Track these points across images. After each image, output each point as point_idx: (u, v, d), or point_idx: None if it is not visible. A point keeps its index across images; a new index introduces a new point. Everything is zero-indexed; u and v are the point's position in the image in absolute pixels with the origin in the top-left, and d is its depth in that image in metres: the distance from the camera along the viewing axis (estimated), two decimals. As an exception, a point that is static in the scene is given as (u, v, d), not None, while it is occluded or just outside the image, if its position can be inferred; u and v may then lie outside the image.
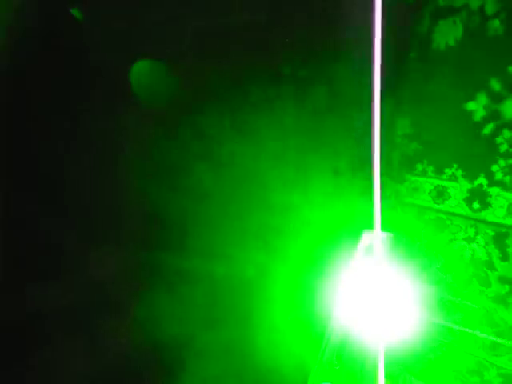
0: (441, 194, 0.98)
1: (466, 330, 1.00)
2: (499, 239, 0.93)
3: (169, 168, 1.23)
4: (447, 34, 0.91)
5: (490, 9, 0.86)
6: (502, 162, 0.89)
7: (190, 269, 1.16)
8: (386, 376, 1.03)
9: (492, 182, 0.91)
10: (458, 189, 0.96)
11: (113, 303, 1.28)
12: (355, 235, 0.80)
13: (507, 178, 0.90)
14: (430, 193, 1.00)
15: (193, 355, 1.10)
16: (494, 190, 0.91)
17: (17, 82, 1.00)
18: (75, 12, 0.97)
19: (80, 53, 1.07)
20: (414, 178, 1.01)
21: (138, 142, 1.26)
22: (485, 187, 0.92)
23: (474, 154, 0.92)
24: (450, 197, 0.97)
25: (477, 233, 0.95)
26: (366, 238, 0.76)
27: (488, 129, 0.89)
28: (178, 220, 1.21)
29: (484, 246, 0.95)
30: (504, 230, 0.92)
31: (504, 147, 0.88)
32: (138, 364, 1.11)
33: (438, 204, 0.99)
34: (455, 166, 0.95)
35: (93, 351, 1.13)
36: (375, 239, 0.64)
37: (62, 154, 1.14)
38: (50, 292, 1.31)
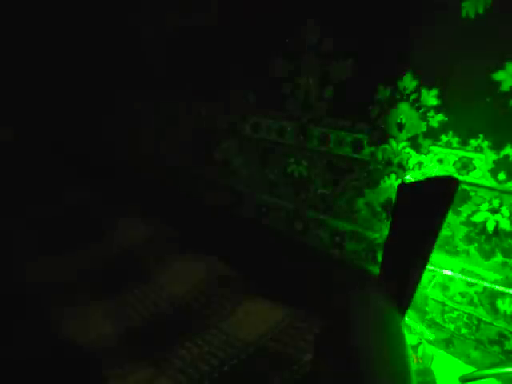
0: (465, 165, 0.98)
1: (488, 300, 1.01)
2: (524, 210, 0.93)
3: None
4: (477, 2, 0.89)
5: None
6: (529, 132, 0.89)
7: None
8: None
9: (519, 153, 0.91)
10: (484, 160, 0.95)
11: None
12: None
13: (535, 149, 0.89)
14: (454, 164, 1.00)
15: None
16: (520, 161, 0.91)
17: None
18: None
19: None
20: (438, 150, 1.02)
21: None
22: (511, 158, 0.92)
23: (501, 124, 0.91)
24: (474, 168, 0.97)
25: (501, 204, 0.95)
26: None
27: (516, 99, 0.88)
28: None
29: (509, 218, 0.95)
30: (530, 201, 0.92)
31: (533, 117, 0.87)
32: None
33: (463, 175, 0.99)
34: (481, 136, 0.95)
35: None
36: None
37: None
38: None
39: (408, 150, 1.07)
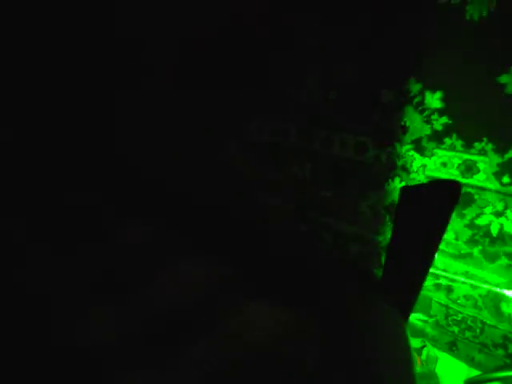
0: (469, 168, 0.98)
1: (492, 303, 1.01)
2: (529, 213, 0.93)
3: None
4: (481, 5, 0.89)
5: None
6: (534, 135, 0.89)
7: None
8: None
9: (523, 156, 0.91)
10: (488, 163, 0.95)
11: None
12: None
13: (539, 152, 0.89)
14: (458, 167, 1.00)
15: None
16: (525, 164, 0.91)
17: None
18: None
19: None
20: (442, 153, 1.02)
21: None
22: (516, 161, 0.91)
23: (506, 127, 0.91)
24: (478, 171, 0.97)
25: (506, 207, 0.95)
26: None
27: (521, 102, 0.88)
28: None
29: (513, 221, 0.95)
30: (534, 204, 0.92)
31: (537, 120, 0.87)
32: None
33: (467, 178, 0.99)
34: (485, 139, 0.95)
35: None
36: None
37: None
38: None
39: (412, 152, 1.07)
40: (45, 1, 2.19)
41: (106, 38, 2.13)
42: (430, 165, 1.04)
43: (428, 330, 1.12)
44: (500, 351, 1.02)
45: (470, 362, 1.08)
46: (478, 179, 0.97)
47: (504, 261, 0.97)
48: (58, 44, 2.34)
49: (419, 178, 1.07)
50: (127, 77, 2.08)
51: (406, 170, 1.09)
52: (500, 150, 0.93)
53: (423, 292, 1.11)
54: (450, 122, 0.99)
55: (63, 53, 2.36)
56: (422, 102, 1.02)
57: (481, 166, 0.96)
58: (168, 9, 1.70)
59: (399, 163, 1.10)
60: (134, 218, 1.85)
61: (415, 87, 1.02)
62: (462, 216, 1.01)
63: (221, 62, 1.54)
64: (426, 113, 1.02)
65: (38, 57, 2.37)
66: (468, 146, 0.97)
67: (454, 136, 0.99)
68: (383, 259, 1.18)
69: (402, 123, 1.07)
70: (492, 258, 0.99)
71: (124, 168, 2.24)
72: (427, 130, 1.03)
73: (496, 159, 0.94)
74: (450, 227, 1.03)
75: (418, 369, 0.98)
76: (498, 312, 1.00)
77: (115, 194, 2.07)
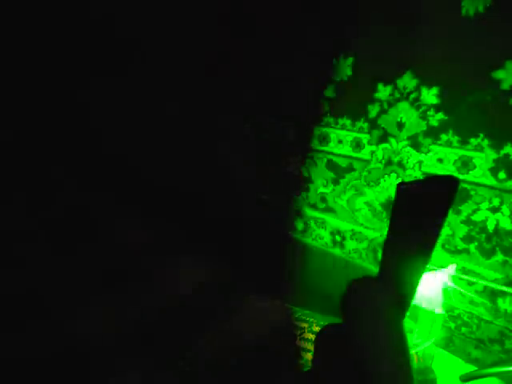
0: (465, 164, 0.98)
1: (488, 299, 1.01)
2: (525, 209, 0.93)
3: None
4: (476, 1, 0.89)
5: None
6: (530, 131, 0.88)
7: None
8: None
9: (519, 152, 0.91)
10: (484, 159, 0.95)
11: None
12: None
13: (535, 147, 0.89)
14: (454, 163, 1.00)
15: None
16: (520, 160, 0.91)
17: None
18: None
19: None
20: (438, 149, 1.02)
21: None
22: (512, 157, 0.91)
23: (502, 123, 0.91)
24: (474, 167, 0.97)
25: (502, 203, 0.95)
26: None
27: (517, 97, 0.88)
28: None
29: (509, 216, 0.95)
30: (530, 200, 0.92)
31: (533, 116, 0.87)
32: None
33: (463, 174, 0.99)
34: (481, 135, 0.95)
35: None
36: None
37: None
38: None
39: (408, 149, 1.07)
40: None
41: (106, 36, 2.11)
42: (427, 161, 1.04)
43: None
44: (496, 347, 1.03)
45: (467, 357, 1.08)
46: (475, 175, 0.97)
47: (500, 257, 0.97)
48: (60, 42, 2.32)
49: (415, 174, 1.07)
50: (123, 75, 2.06)
51: (402, 166, 1.09)
52: (496, 146, 0.93)
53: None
54: (446, 117, 0.99)
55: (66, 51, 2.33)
56: (418, 98, 1.02)
57: (477, 161, 0.96)
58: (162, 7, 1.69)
59: (395, 159, 1.10)
60: (134, 219, 1.85)
61: (411, 83, 1.02)
62: (458, 212, 1.01)
63: (217, 60, 1.53)
64: (422, 109, 1.02)
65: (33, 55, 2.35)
66: (464, 141, 0.97)
67: (450, 132, 0.99)
68: (380, 255, 1.18)
69: (398, 119, 1.07)
70: (488, 253, 0.99)
71: (123, 168, 2.22)
72: (423, 126, 1.03)
73: (492, 155, 0.94)
74: (446, 223, 1.03)
75: (414, 365, 0.98)
76: (494, 308, 1.00)
77: (115, 194, 2.06)
